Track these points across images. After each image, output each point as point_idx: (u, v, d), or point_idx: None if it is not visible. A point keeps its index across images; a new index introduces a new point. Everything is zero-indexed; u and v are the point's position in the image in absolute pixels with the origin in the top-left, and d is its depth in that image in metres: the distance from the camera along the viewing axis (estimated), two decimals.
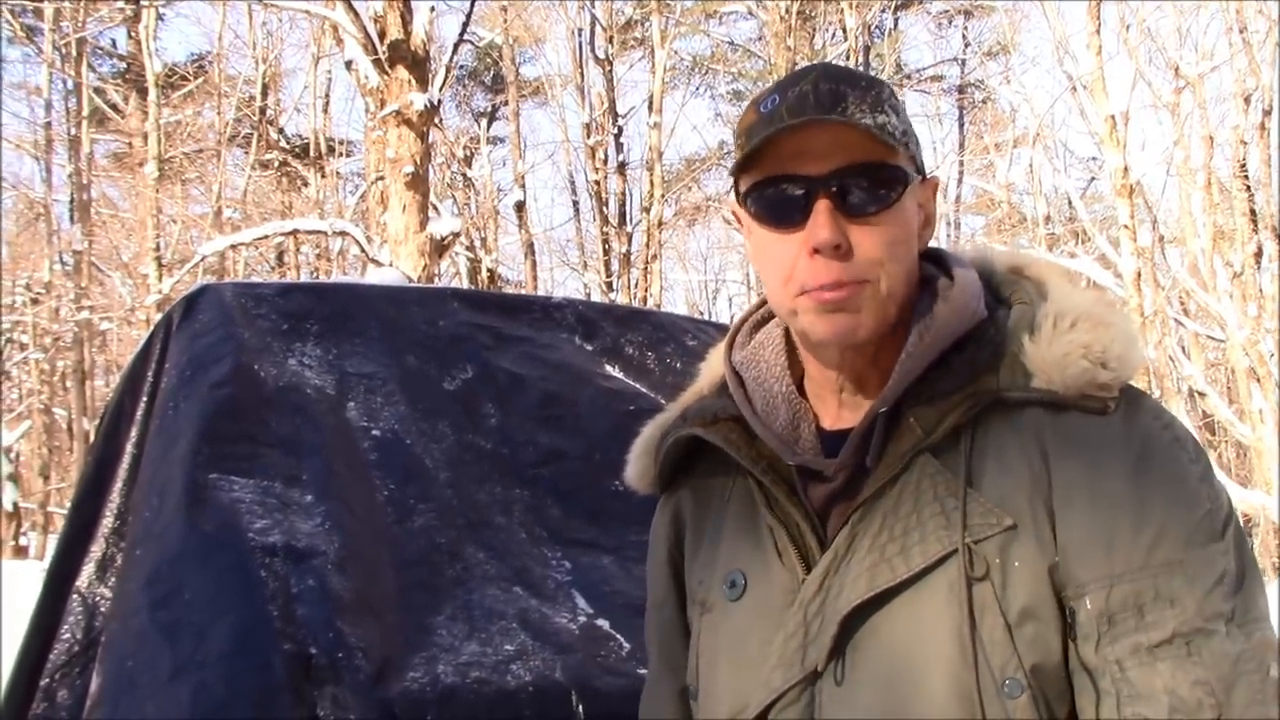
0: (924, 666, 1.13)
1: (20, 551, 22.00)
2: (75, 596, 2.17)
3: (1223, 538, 1.11)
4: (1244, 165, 17.22)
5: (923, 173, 1.26)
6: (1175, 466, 1.14)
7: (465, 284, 22.13)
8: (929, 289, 1.25)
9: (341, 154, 26.67)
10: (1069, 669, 1.12)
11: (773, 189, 1.21)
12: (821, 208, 1.17)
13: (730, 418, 1.33)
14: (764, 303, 1.39)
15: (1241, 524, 1.15)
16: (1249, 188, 17.19)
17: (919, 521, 1.16)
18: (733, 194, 1.29)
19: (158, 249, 20.47)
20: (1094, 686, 1.10)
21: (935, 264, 1.29)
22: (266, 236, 16.19)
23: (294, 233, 16.65)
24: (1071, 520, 1.12)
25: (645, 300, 23.49)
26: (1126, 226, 15.78)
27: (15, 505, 22.18)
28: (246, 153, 25.37)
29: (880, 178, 1.19)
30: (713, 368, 1.43)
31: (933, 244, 1.32)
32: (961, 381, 1.19)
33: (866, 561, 1.17)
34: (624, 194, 26.21)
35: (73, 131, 24.00)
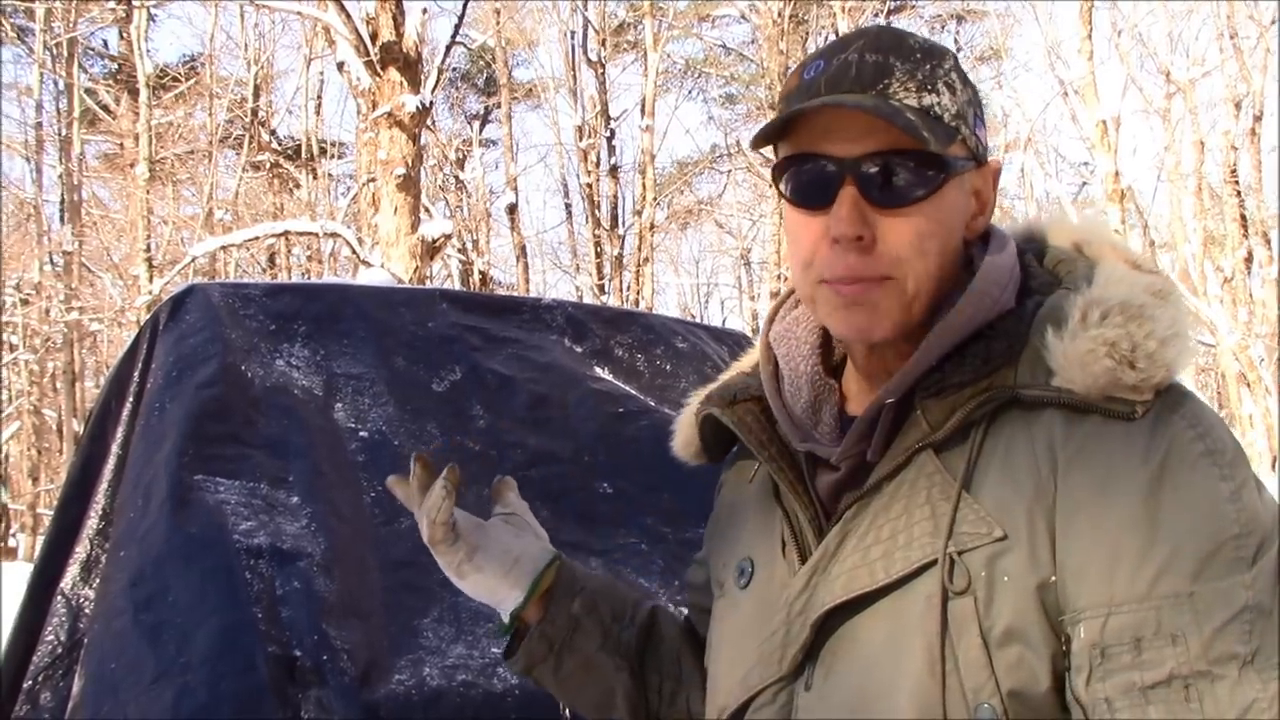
0: (893, 682, 1.04)
1: (9, 553, 21.93)
2: (59, 598, 2.15)
3: (1251, 567, 0.96)
4: (1234, 170, 17.30)
5: (980, 157, 1.16)
6: (1199, 482, 0.99)
7: (457, 286, 22.12)
8: (970, 273, 1.15)
9: (333, 156, 26.69)
10: (1059, 696, 1.01)
11: (801, 166, 1.12)
12: (846, 195, 1.08)
13: (752, 397, 1.27)
14: None
15: None
16: (1239, 193, 17.26)
17: (907, 524, 1.07)
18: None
19: (148, 250, 20.40)
20: None
21: (986, 244, 1.19)
22: (258, 238, 16.19)
23: (285, 234, 16.64)
24: (1073, 538, 1.00)
25: (637, 303, 23.49)
26: (1117, 231, 15.82)
27: (4, 507, 22.13)
28: (238, 154, 25.36)
29: (916, 167, 1.09)
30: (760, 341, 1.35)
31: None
32: (974, 375, 1.09)
33: (849, 562, 1.10)
34: (616, 197, 26.25)
35: (64, 132, 23.98)
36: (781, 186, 1.15)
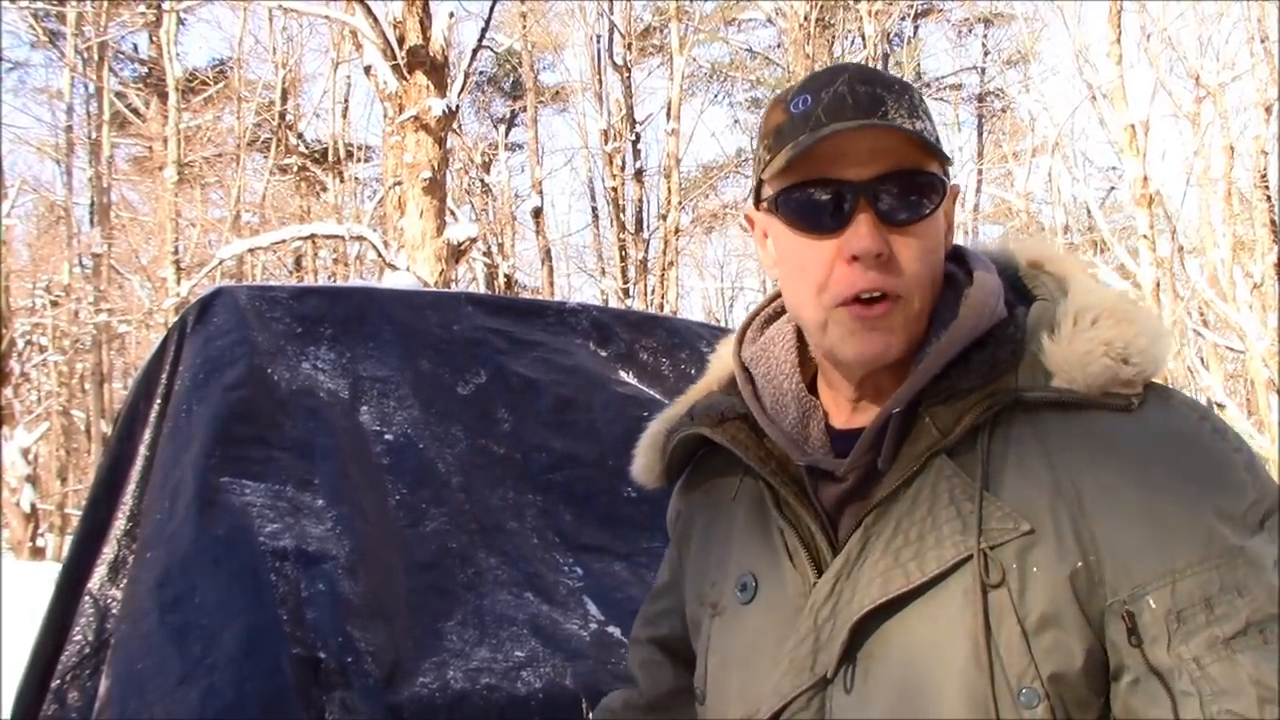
0: (937, 675, 1.10)
1: (38, 553, 22.11)
2: (87, 598, 2.17)
3: (1262, 528, 1.08)
4: (1264, 175, 17.13)
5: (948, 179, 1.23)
6: (1218, 455, 1.11)
7: (482, 289, 22.17)
8: (951, 288, 1.22)
9: (360, 159, 26.79)
10: (1089, 677, 1.08)
11: (809, 193, 1.17)
12: (863, 214, 1.14)
13: (738, 416, 1.31)
14: (776, 297, 1.36)
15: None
16: (1270, 198, 17.10)
17: (934, 525, 1.13)
18: (751, 197, 1.26)
19: (176, 252, 20.54)
20: (1168, 690, 1.05)
21: (956, 262, 1.26)
22: (284, 241, 16.28)
23: (312, 237, 16.74)
24: (1118, 524, 1.08)
25: (662, 307, 23.48)
26: (1145, 237, 15.71)
27: (33, 507, 22.30)
28: (265, 157, 25.48)
29: (920, 186, 1.16)
30: (722, 363, 1.40)
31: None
32: (980, 381, 1.16)
33: (880, 566, 1.14)
34: (641, 200, 26.26)
35: (93, 135, 24.15)
36: (783, 214, 1.19)
